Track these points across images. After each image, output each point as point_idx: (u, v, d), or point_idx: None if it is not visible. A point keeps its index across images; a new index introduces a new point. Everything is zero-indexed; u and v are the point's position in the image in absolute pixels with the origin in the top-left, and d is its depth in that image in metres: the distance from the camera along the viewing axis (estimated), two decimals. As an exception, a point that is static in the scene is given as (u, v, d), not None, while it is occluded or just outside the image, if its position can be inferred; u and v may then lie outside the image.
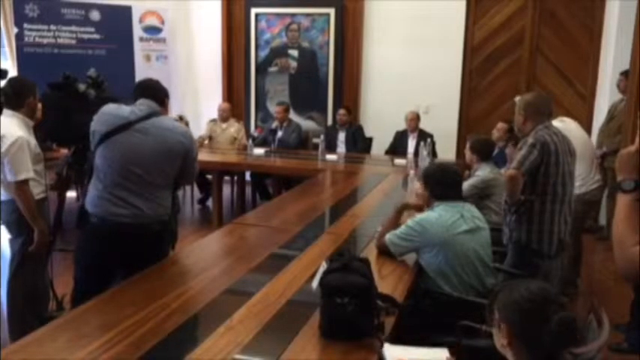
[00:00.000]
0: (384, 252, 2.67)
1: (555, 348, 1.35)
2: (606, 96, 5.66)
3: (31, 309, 3.08)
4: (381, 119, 6.65)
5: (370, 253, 2.67)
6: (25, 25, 6.50)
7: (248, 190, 6.41)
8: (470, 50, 6.54)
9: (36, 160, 2.97)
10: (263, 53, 7.19)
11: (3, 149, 2.81)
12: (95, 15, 6.70)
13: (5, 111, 2.92)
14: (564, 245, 3.04)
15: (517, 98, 3.12)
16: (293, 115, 6.72)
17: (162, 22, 7.05)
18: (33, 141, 2.97)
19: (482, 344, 2.12)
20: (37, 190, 3.01)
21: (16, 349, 1.74)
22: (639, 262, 1.35)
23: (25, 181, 2.87)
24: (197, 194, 6.69)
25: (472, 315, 2.15)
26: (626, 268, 1.39)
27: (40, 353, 1.70)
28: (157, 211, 2.58)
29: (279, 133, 6.31)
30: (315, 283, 1.91)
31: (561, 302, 1.37)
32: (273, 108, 7.00)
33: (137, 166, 2.51)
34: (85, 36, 6.69)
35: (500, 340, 1.42)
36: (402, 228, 2.64)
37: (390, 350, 1.61)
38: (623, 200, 1.47)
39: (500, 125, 5.12)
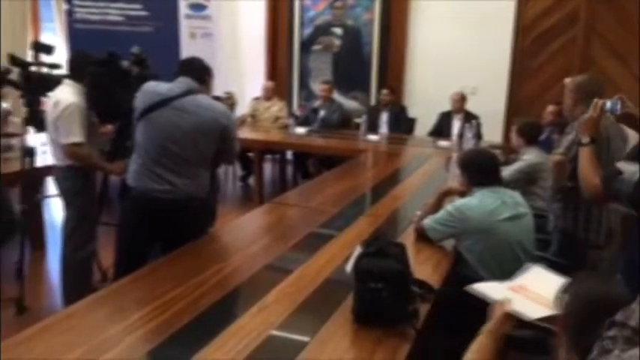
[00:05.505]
0: (422, 236, 2.62)
1: None
2: (666, 79, 5.39)
3: (77, 279, 3.19)
4: (425, 100, 6.52)
5: (408, 237, 2.63)
6: (75, 2, 6.64)
7: (289, 169, 6.42)
8: (520, 29, 6.31)
9: (89, 130, 3.10)
10: (307, 31, 7.13)
11: (57, 113, 2.98)
12: (142, -8, 6.78)
13: (66, 81, 3.12)
14: (614, 235, 2.92)
15: (567, 80, 2.98)
16: (336, 95, 6.66)
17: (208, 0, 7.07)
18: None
19: (525, 334, 2.07)
20: None
21: (60, 319, 1.78)
22: (600, 188, 2.09)
23: (77, 144, 3.01)
24: (239, 171, 6.75)
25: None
26: (591, 193, 2.23)
27: (81, 324, 1.75)
28: (192, 189, 2.60)
29: (322, 113, 6.27)
30: (349, 267, 1.89)
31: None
32: (316, 87, 6.95)
33: (173, 143, 2.53)
34: (132, 13, 6.78)
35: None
36: (441, 213, 2.58)
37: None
38: (584, 152, 2.34)
39: (552, 108, 4.93)
